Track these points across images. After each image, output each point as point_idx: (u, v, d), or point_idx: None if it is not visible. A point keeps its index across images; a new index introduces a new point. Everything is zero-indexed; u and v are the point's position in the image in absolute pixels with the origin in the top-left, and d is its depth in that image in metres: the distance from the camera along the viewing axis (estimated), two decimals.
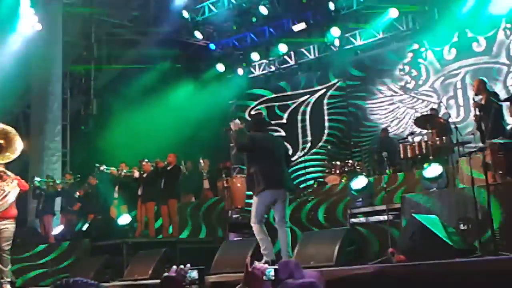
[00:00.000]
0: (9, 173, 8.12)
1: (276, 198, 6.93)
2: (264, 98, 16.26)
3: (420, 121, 9.99)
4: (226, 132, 7.50)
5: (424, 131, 11.41)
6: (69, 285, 1.65)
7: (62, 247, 10.63)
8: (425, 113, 12.62)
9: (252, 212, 7.03)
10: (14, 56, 15.46)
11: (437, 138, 9.19)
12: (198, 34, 16.10)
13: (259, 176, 6.88)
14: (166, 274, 3.65)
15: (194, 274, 3.64)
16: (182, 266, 3.68)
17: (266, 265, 3.47)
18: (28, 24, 15.33)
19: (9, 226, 7.91)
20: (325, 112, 15.13)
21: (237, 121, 7.38)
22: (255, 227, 6.98)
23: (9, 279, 8.02)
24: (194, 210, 11.77)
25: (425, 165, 8.67)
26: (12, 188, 7.94)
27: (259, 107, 16.28)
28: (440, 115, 10.97)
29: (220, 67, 16.36)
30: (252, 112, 16.32)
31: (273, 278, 3.42)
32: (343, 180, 10.20)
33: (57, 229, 12.11)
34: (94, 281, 1.68)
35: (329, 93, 15.11)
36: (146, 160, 11.98)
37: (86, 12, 16.73)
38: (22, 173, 14.22)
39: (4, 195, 7.86)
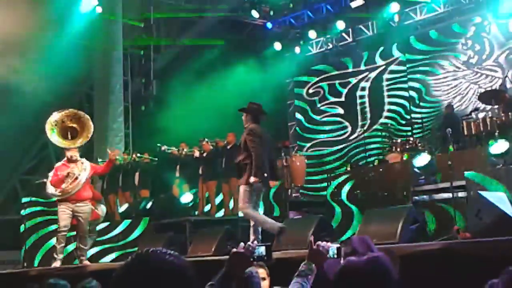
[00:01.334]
0: (83, 159, 8.43)
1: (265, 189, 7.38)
2: (320, 77, 16.12)
3: (485, 97, 9.74)
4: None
5: (489, 107, 11.11)
6: (149, 254, 1.70)
7: (124, 225, 10.94)
8: (490, 88, 12.27)
9: (244, 198, 7.17)
10: (75, 39, 15.84)
11: (502, 114, 8.94)
12: (255, 13, 16.06)
13: (250, 169, 7.11)
14: (234, 249, 3.72)
15: (262, 250, 3.69)
16: (249, 243, 3.74)
17: (330, 243, 3.50)
18: (89, 6, 15.64)
19: (85, 208, 8.25)
20: (385, 88, 14.88)
21: None
22: (250, 212, 7.19)
23: (87, 256, 8.39)
24: None
25: (490, 142, 8.45)
26: (82, 170, 8.23)
27: (315, 86, 16.17)
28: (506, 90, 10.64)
29: (277, 46, 16.30)
30: (311, 90, 16.18)
31: (336, 256, 3.45)
32: (404, 158, 10.06)
33: (122, 207, 12.44)
34: (174, 252, 1.72)
35: (389, 69, 14.84)
36: (206, 139, 12.13)
37: None
38: (88, 153, 14.69)
39: (75, 177, 8.16)
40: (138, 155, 13.72)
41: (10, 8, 13.19)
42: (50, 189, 8.39)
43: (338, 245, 3.53)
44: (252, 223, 7.34)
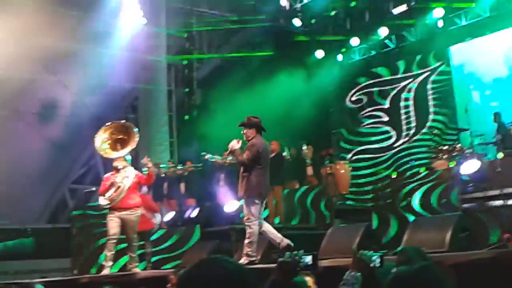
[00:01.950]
0: (127, 166, 8.56)
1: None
2: (363, 84, 16.02)
3: None
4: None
5: None
6: (212, 260, 1.76)
7: (177, 234, 11.08)
8: None
9: (252, 213, 7.31)
10: (121, 50, 16.17)
11: None
12: (296, 22, 16.10)
13: (259, 182, 7.36)
14: (281, 259, 3.75)
15: (308, 259, 3.72)
16: (296, 252, 3.77)
17: (372, 252, 3.50)
18: (133, 18, 15.95)
19: (132, 216, 8.38)
20: (429, 96, 14.68)
21: (234, 141, 7.54)
22: (257, 227, 7.35)
23: (137, 264, 8.52)
24: (297, 196, 11.87)
25: None
26: (124, 178, 8.39)
27: (357, 93, 16.07)
28: None
29: (320, 54, 16.28)
30: (355, 97, 16.10)
31: (378, 264, 3.44)
32: (451, 165, 9.91)
33: (168, 216, 12.59)
34: (235, 260, 1.77)
35: (432, 77, 14.65)
36: None
37: (187, 4, 17.19)
38: (132, 162, 14.91)
39: (118, 186, 8.32)
40: (180, 166, 13.90)
41: (56, 22, 13.54)
42: (100, 199, 8.62)
43: (381, 254, 3.54)
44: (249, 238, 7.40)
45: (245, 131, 7.59)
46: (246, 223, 7.38)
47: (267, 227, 7.59)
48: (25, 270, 15.46)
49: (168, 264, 10.50)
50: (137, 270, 8.44)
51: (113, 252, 8.33)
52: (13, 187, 15.30)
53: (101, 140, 8.52)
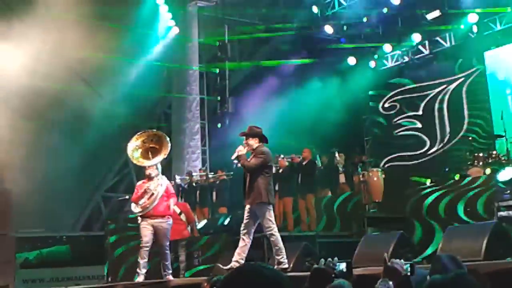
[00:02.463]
0: (159, 174, 8.64)
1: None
2: (396, 91, 15.87)
3: None
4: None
5: None
6: (251, 267, 1.78)
7: (203, 240, 11.10)
8: None
9: (270, 220, 7.43)
10: (154, 60, 16.37)
11: None
12: (328, 29, 16.07)
13: (269, 190, 7.40)
14: (316, 266, 3.73)
15: (343, 266, 3.69)
16: (330, 259, 3.74)
17: (402, 261, 3.46)
18: (166, 28, 16.15)
19: (164, 224, 8.44)
20: (465, 101, 14.45)
21: (240, 146, 7.58)
22: (277, 234, 7.43)
23: (170, 271, 8.56)
24: (329, 204, 11.80)
25: None
26: (157, 186, 8.46)
27: (391, 100, 15.93)
28: None
29: (352, 61, 16.21)
30: (387, 104, 15.96)
31: (409, 273, 3.40)
32: (487, 172, 9.74)
33: (201, 223, 12.64)
34: (274, 267, 1.77)
35: (468, 81, 14.42)
36: (282, 155, 12.18)
37: (219, 13, 17.31)
38: (166, 170, 15.03)
39: (151, 193, 8.39)
40: (211, 174, 13.96)
41: (92, 34, 13.76)
42: (132, 206, 8.69)
43: (412, 262, 3.50)
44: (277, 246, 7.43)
45: (248, 141, 7.61)
46: (268, 232, 7.43)
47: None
48: (60, 277, 15.69)
49: (201, 272, 10.52)
50: (170, 277, 8.48)
51: (146, 260, 8.39)
52: (48, 196, 15.56)
53: (133, 147, 8.60)
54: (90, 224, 18.89)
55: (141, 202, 8.42)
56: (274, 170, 12.14)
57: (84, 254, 15.96)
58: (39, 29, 13.19)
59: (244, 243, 7.54)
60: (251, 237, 7.59)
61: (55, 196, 15.88)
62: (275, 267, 7.14)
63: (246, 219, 7.53)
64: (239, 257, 7.47)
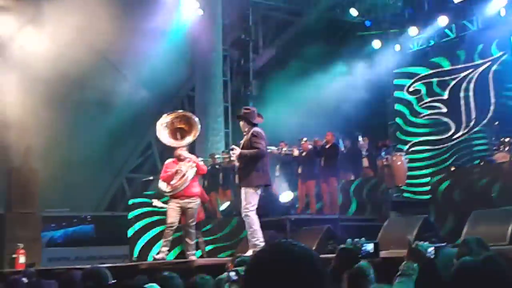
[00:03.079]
0: (188, 155, 8.68)
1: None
2: (421, 75, 15.70)
3: None
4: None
5: None
6: (282, 244, 1.79)
7: (232, 224, 11.19)
8: None
9: (251, 202, 7.33)
10: (178, 42, 16.38)
11: None
12: (353, 11, 15.94)
13: (259, 171, 7.30)
14: (342, 246, 3.73)
15: (370, 247, 3.69)
16: (357, 239, 3.75)
17: (427, 243, 3.45)
18: (190, 10, 16.12)
19: (193, 204, 8.50)
20: (491, 85, 14.25)
21: (233, 151, 7.57)
22: (254, 217, 7.34)
23: (194, 251, 8.65)
24: (358, 188, 11.78)
25: None
26: (189, 167, 8.50)
27: (415, 84, 15.77)
28: None
29: (377, 44, 16.07)
30: (413, 88, 15.81)
31: (433, 256, 3.40)
32: None
33: (224, 205, 12.72)
34: (305, 245, 1.79)
35: (495, 66, 14.21)
36: (305, 138, 12.17)
37: None
38: (189, 152, 15.07)
39: (183, 174, 8.44)
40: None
41: (117, 16, 13.81)
42: (162, 186, 8.69)
43: (436, 245, 3.50)
44: (251, 228, 7.36)
45: (241, 123, 7.63)
46: (243, 213, 7.40)
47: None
48: (85, 256, 15.93)
49: (222, 253, 10.61)
50: (194, 257, 8.56)
51: (170, 239, 8.47)
52: (73, 176, 15.76)
53: (161, 126, 8.61)
54: (115, 204, 19.10)
55: (172, 182, 8.45)
56: (297, 153, 12.21)
57: (108, 233, 16.17)
58: (64, 12, 13.28)
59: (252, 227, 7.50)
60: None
61: (80, 177, 16.07)
62: (250, 251, 7.15)
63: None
64: (253, 239, 7.45)
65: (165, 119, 8.64)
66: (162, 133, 8.61)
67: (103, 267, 4.52)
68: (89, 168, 16.63)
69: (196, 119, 8.73)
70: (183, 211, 8.47)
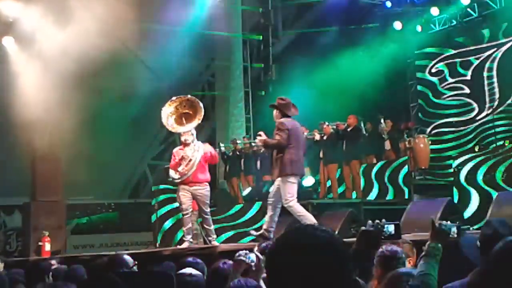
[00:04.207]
0: (196, 141, 8.63)
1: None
2: (444, 55, 15.49)
3: None
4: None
5: None
6: (306, 227, 1.79)
7: (255, 209, 11.20)
8: None
9: (289, 193, 7.28)
10: (197, 28, 16.34)
11: None
12: None
13: (286, 161, 7.25)
14: (363, 228, 3.72)
15: (391, 228, 3.67)
16: (378, 221, 3.72)
17: (449, 222, 3.42)
18: None
19: (201, 190, 8.42)
20: None
21: (258, 137, 7.60)
22: (296, 205, 7.31)
23: (215, 236, 8.65)
24: (380, 172, 11.70)
25: None
26: (195, 151, 8.44)
27: (438, 65, 15.57)
28: None
29: (398, 25, 15.85)
30: (435, 68, 15.61)
31: (456, 235, 3.37)
32: None
33: (246, 191, 12.73)
34: (327, 228, 1.78)
35: None
36: (327, 122, 12.10)
37: None
38: (210, 139, 15.16)
39: (189, 160, 8.40)
40: (254, 143, 13.97)
41: (136, 2, 13.81)
42: (172, 173, 8.69)
43: (459, 225, 3.47)
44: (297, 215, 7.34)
45: (274, 112, 7.60)
46: (285, 204, 7.37)
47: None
48: (110, 243, 16.11)
49: (244, 239, 10.63)
50: (216, 242, 8.57)
51: (189, 226, 8.47)
52: (96, 164, 15.89)
53: (167, 114, 8.57)
54: (137, 191, 19.25)
55: (179, 169, 8.41)
56: (318, 137, 12.15)
57: (132, 221, 16.31)
58: (86, 1, 13.33)
59: (271, 212, 7.55)
60: (278, 209, 7.55)
61: (103, 164, 16.21)
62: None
63: (275, 191, 7.50)
64: (268, 225, 7.53)
65: (169, 108, 8.58)
66: (168, 120, 8.58)
67: (126, 254, 4.56)
68: (112, 156, 16.75)
69: (200, 103, 8.64)
70: (194, 198, 8.44)
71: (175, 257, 6.50)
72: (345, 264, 1.73)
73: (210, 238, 8.53)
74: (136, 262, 4.37)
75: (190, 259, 4.69)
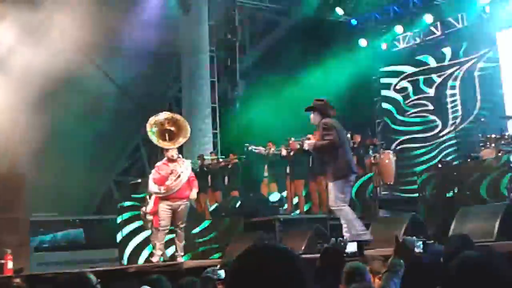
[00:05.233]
0: (184, 159, 8.71)
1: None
2: (407, 73, 15.77)
3: None
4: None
5: None
6: (263, 247, 1.79)
7: (223, 225, 11.16)
8: None
9: (343, 193, 6.89)
10: (164, 43, 16.32)
11: None
12: (339, 10, 15.96)
13: (340, 161, 6.94)
14: (326, 245, 3.76)
15: (353, 246, 3.72)
16: (341, 238, 3.77)
17: (415, 238, 3.48)
18: (176, 10, 16.09)
19: (183, 206, 8.51)
20: (477, 82, 14.34)
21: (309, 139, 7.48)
22: (347, 208, 6.87)
23: (182, 253, 8.64)
24: None
25: None
26: (184, 169, 8.51)
27: (402, 82, 15.83)
28: None
29: (363, 42, 16.11)
30: (399, 85, 15.85)
31: (421, 250, 3.43)
32: (499, 154, 9.69)
33: (213, 206, 12.70)
34: (287, 248, 1.79)
35: (480, 63, 14.30)
36: (293, 138, 12.16)
37: None
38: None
39: (178, 175, 8.44)
40: (222, 158, 13.99)
41: (101, 18, 13.75)
42: (153, 188, 8.65)
43: (424, 240, 3.53)
44: (347, 219, 6.87)
45: (311, 116, 7.31)
46: (335, 207, 6.90)
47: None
48: (75, 260, 15.81)
49: (212, 255, 10.59)
50: (182, 259, 8.55)
51: (163, 242, 8.47)
52: (62, 180, 15.67)
53: (151, 127, 8.62)
54: (103, 207, 18.99)
55: (167, 183, 8.44)
56: (285, 152, 12.19)
57: (97, 237, 16.06)
58: (49, 12, 13.21)
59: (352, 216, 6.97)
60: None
61: (68, 180, 15.98)
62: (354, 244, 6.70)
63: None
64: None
65: (154, 122, 8.64)
66: (152, 134, 8.63)
67: (90, 271, 4.50)
68: (77, 172, 16.54)
69: (185, 121, 8.77)
70: (173, 213, 8.48)
71: (140, 275, 6.45)
72: (304, 283, 1.74)
73: (177, 254, 8.51)
74: (100, 280, 4.32)
75: (154, 276, 4.67)
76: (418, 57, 15.66)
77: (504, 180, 8.57)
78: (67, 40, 13.53)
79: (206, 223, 11.56)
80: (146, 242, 11.24)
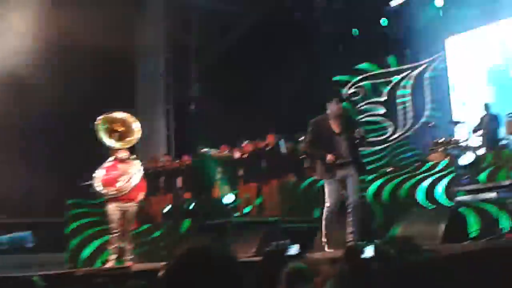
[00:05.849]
0: (133, 157, 8.57)
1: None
2: (366, 74, 15.89)
3: None
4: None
5: None
6: (199, 248, 1.80)
7: (166, 227, 11.08)
8: None
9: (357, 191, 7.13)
10: (119, 43, 16.12)
11: None
12: (296, 15, 16.05)
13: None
14: (267, 249, 3.77)
15: (295, 249, 3.74)
16: (282, 242, 3.79)
17: (365, 242, 3.52)
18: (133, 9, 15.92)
19: (133, 208, 8.39)
20: (426, 87, 14.63)
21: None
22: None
23: (131, 256, 8.52)
24: (293, 190, 11.81)
25: None
26: (136, 170, 8.39)
27: (362, 83, 15.95)
28: None
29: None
30: (351, 90, 16.02)
31: (372, 255, 3.46)
32: (446, 158, 9.91)
33: (165, 208, 12.60)
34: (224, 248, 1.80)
35: (430, 68, 14.58)
36: (246, 141, 12.18)
37: None
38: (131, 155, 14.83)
39: (129, 178, 8.31)
40: (177, 160, 13.91)
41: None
42: (100, 188, 8.49)
43: (375, 244, 3.55)
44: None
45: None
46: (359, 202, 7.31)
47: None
48: (23, 263, 15.45)
49: (162, 258, 10.51)
50: (131, 262, 8.44)
51: (115, 245, 8.34)
52: (10, 182, 15.32)
53: (99, 126, 8.49)
54: (52, 210, 18.60)
55: (118, 184, 8.29)
56: (238, 155, 12.19)
57: (47, 240, 15.75)
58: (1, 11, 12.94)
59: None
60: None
61: (16, 182, 15.63)
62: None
63: None
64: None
65: (102, 122, 8.51)
66: (103, 134, 8.49)
67: (36, 275, 4.42)
68: (26, 174, 16.19)
69: (135, 121, 8.63)
70: (123, 215, 8.35)
71: (87, 278, 6.35)
72: (241, 286, 1.75)
73: (125, 258, 8.40)
74: (46, 284, 4.24)
75: (99, 279, 4.61)
76: (373, 60, 15.74)
77: (446, 184, 8.74)
78: (20, 40, 13.26)
79: (157, 226, 11.46)
80: (96, 244, 11.12)
